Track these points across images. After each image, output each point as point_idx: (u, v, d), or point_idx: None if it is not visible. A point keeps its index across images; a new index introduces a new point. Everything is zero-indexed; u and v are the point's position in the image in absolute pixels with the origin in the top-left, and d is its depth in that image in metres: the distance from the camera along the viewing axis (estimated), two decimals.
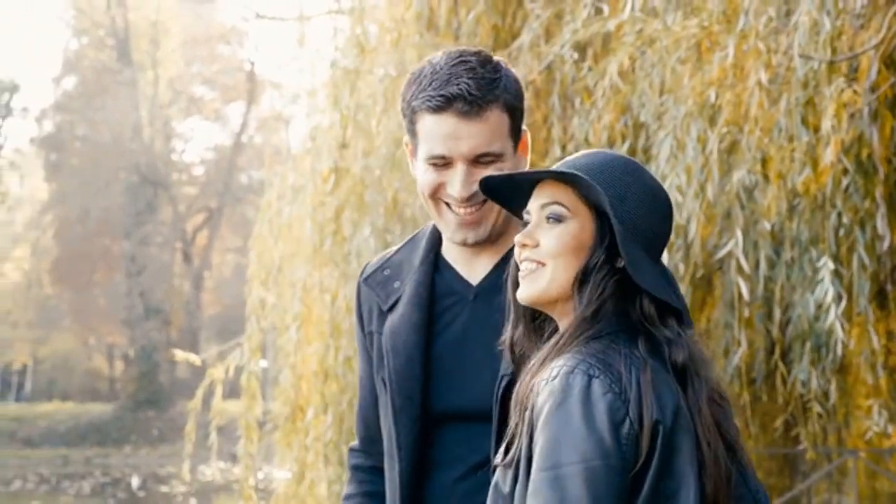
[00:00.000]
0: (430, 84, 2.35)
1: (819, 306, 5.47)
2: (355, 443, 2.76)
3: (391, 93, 7.05)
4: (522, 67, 6.24)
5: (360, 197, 7.05)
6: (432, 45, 6.90)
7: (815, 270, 5.51)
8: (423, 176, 2.42)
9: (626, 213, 2.08)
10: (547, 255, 2.11)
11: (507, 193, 2.25)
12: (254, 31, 47.76)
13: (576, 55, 6.23)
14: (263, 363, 7.84)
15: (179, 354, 8.89)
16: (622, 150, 5.90)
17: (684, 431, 2.00)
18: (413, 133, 2.44)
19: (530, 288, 2.13)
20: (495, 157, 2.38)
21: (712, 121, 5.39)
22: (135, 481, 29.35)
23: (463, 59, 2.38)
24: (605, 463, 1.91)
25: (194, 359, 8.74)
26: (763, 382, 7.07)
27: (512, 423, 2.09)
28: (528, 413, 2.01)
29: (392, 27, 7.28)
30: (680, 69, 5.55)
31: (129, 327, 42.05)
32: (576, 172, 2.10)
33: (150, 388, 40.63)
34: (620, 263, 2.08)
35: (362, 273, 2.67)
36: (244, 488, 7.89)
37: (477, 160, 2.37)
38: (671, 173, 5.33)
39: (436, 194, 2.42)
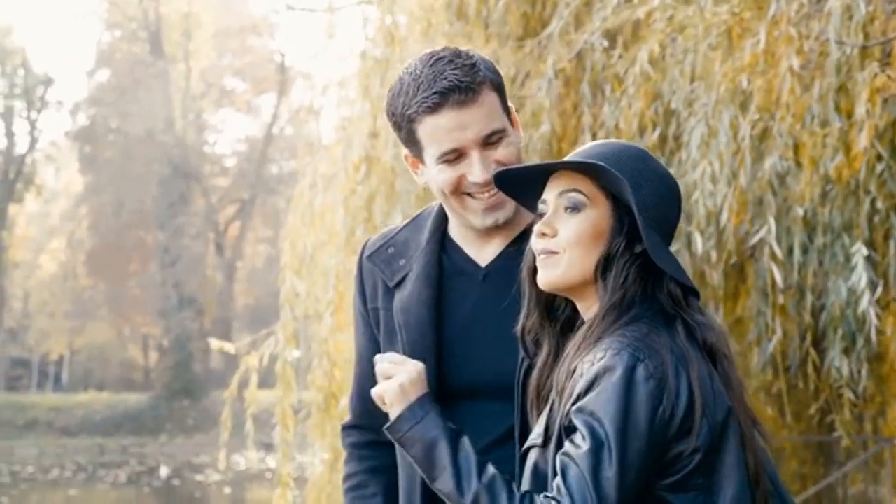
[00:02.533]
0: (419, 89, 2.41)
1: (852, 293, 5.44)
2: (349, 420, 2.77)
3: None
4: (552, 55, 6.23)
5: (390, 185, 7.06)
6: (462, 34, 6.90)
7: (849, 257, 5.48)
8: (440, 175, 2.46)
9: (641, 199, 2.12)
10: (566, 243, 2.15)
11: (518, 185, 2.29)
12: (284, 22, 47.77)
13: (606, 43, 6.22)
14: (296, 352, 7.84)
15: (214, 343, 8.92)
16: (653, 137, 5.88)
17: (725, 417, 2.08)
18: (414, 142, 2.48)
19: (549, 274, 2.18)
20: (501, 134, 2.43)
21: (744, 107, 5.37)
22: (163, 471, 29.52)
23: (437, 56, 2.44)
24: (637, 446, 1.98)
25: (229, 347, 8.77)
26: (797, 370, 7.03)
27: (548, 407, 2.13)
28: (566, 396, 2.06)
29: (421, 16, 7.28)
30: (711, 56, 5.53)
31: (164, 318, 42.29)
32: (597, 162, 2.14)
33: (185, 377, 40.84)
34: (639, 249, 2.14)
35: (363, 250, 2.71)
36: (281, 476, 7.92)
37: (486, 142, 2.42)
38: (703, 160, 5.32)
39: (458, 189, 2.46)
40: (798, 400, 8.05)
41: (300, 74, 45.46)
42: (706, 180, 5.27)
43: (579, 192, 2.16)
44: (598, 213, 2.15)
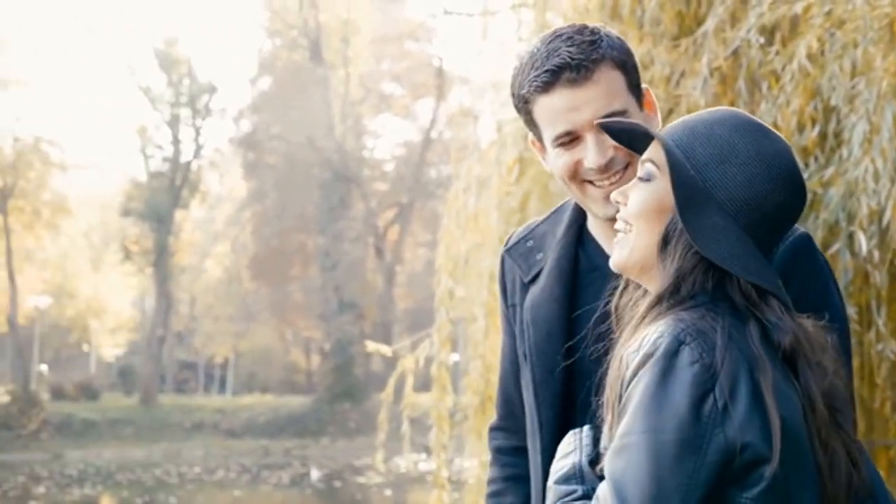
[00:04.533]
0: (533, 67, 2.25)
1: None
2: (495, 421, 2.67)
3: None
4: (708, 53, 6.14)
5: (544, 186, 7.03)
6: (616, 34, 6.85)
7: None
8: (557, 160, 2.31)
9: (723, 177, 1.90)
10: (631, 214, 1.98)
11: (633, 143, 2.10)
12: (441, 26, 48.15)
13: (762, 39, 6.08)
14: (455, 356, 7.87)
15: (370, 345, 9.02)
16: (812, 135, 5.74)
17: (797, 426, 1.82)
18: (533, 123, 2.33)
19: (617, 254, 2.01)
20: (621, 116, 2.24)
21: None
22: (314, 474, 29.97)
23: (557, 33, 2.28)
24: (677, 437, 1.74)
25: (385, 350, 8.85)
26: None
27: (605, 402, 1.93)
28: (619, 388, 1.87)
29: (575, 17, 7.24)
30: (872, 50, 5.37)
31: (325, 321, 43.00)
32: (648, 128, 1.99)
33: (346, 380, 41.44)
34: None
35: (506, 244, 2.58)
36: (437, 479, 7.97)
37: None
38: (865, 158, 5.17)
39: (576, 175, 2.30)
40: None
41: (458, 78, 45.81)
42: (868, 178, 5.12)
43: (653, 162, 1.97)
44: (666, 186, 1.93)
